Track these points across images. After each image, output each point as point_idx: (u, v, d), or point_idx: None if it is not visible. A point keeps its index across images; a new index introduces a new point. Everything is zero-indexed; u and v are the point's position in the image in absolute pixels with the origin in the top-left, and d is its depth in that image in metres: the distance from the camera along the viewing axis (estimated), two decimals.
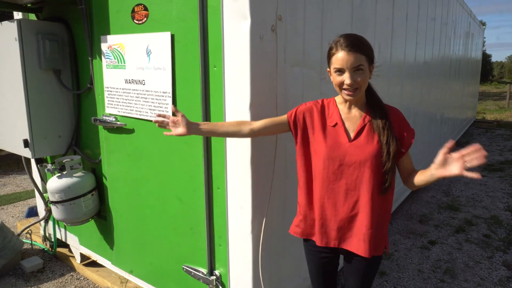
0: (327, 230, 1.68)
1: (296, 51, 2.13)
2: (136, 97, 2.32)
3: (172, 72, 2.10)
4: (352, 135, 1.62)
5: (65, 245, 3.46)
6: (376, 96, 1.68)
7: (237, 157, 1.96)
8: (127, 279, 2.88)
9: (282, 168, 2.12)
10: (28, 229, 3.65)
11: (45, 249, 3.59)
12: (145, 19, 2.18)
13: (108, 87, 2.52)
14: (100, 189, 2.89)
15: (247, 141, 1.91)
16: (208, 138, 2.06)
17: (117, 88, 2.44)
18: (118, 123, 2.50)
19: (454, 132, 8.36)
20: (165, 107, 2.17)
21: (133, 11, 2.24)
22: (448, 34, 6.35)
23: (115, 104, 2.50)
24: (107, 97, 2.55)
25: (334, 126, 1.64)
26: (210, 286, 2.19)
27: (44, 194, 3.39)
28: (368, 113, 1.63)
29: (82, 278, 3.22)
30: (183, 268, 2.33)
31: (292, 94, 2.13)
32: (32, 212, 4.35)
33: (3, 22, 2.69)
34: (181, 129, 1.71)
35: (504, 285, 3.13)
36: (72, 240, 3.30)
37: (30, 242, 3.66)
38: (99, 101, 2.65)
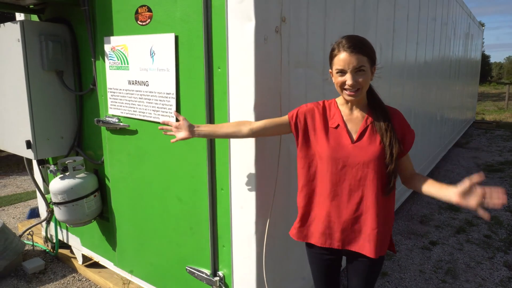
0: (331, 231, 1.68)
1: (299, 52, 2.14)
2: (140, 98, 2.33)
3: (176, 73, 2.10)
4: (354, 136, 1.62)
5: (67, 246, 3.46)
6: (378, 98, 1.69)
7: (241, 158, 1.97)
8: (130, 280, 2.88)
9: (286, 169, 2.13)
10: (29, 230, 3.64)
11: (47, 250, 3.58)
12: (149, 20, 2.18)
13: (111, 88, 2.52)
14: (102, 190, 2.89)
15: (251, 142, 1.91)
16: (211, 139, 2.06)
17: (120, 89, 2.45)
18: (121, 124, 2.50)
19: (454, 133, 8.38)
20: (168, 108, 2.18)
21: (136, 12, 2.24)
22: (448, 34, 6.38)
23: (118, 105, 2.50)
24: (110, 98, 2.55)
25: (336, 127, 1.64)
26: (214, 287, 2.20)
27: (46, 195, 3.39)
28: (370, 114, 1.64)
29: (84, 280, 3.22)
30: (187, 269, 2.33)
31: (295, 95, 2.14)
32: (34, 213, 4.35)
33: (5, 24, 2.69)
34: (183, 133, 1.77)
35: (506, 286, 3.14)
36: (74, 241, 3.30)
37: (31, 243, 3.66)
38: (102, 102, 2.66)
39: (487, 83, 40.05)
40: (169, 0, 2.07)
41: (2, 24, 2.72)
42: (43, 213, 3.55)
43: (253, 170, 1.93)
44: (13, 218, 4.69)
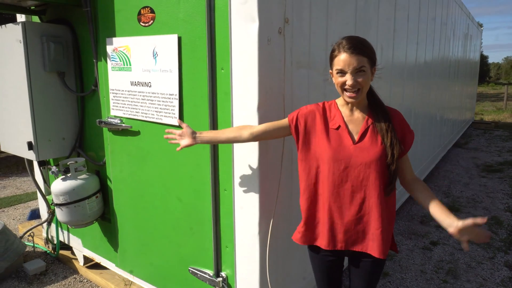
0: (334, 233, 1.68)
1: (302, 53, 2.14)
2: (142, 99, 2.33)
3: (179, 74, 2.10)
4: (356, 137, 1.62)
5: (68, 247, 3.45)
6: (378, 98, 1.69)
7: (245, 158, 1.97)
8: (131, 281, 2.88)
9: (289, 170, 2.13)
10: (30, 231, 3.64)
11: (48, 251, 3.58)
12: (152, 21, 2.19)
13: (113, 89, 2.52)
14: (104, 191, 2.89)
15: (254, 143, 1.91)
16: None
17: (123, 90, 2.45)
18: (124, 125, 2.50)
19: (454, 133, 8.41)
20: (171, 109, 2.18)
21: (139, 13, 2.24)
22: (447, 35, 6.40)
23: (120, 106, 2.50)
24: (112, 99, 2.55)
25: (337, 128, 1.64)
26: (217, 287, 2.20)
27: (46, 197, 3.39)
28: (371, 115, 1.64)
29: (85, 281, 3.22)
30: (189, 269, 2.33)
31: (298, 95, 2.14)
32: (34, 214, 4.34)
33: (7, 25, 2.69)
34: (187, 140, 1.84)
35: (507, 286, 3.15)
36: (75, 242, 3.29)
37: (32, 244, 3.65)
38: (104, 103, 2.66)
39: (486, 84, 40.18)
40: (172, 1, 2.07)
41: (3, 25, 2.72)
42: (44, 214, 3.54)
43: (256, 171, 1.93)
44: (13, 219, 4.68)
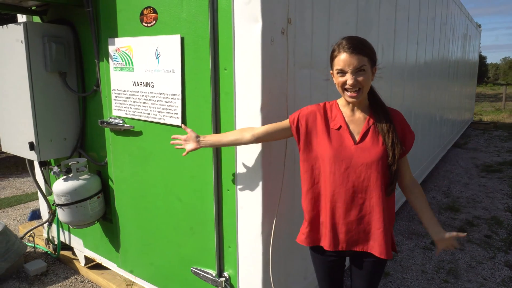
0: (336, 233, 1.69)
1: (304, 53, 2.15)
2: (145, 99, 2.33)
3: (182, 75, 2.11)
4: (357, 137, 1.63)
5: (68, 248, 3.45)
6: (379, 99, 1.70)
7: (247, 159, 1.97)
8: (133, 282, 2.88)
9: (291, 170, 2.14)
10: (31, 232, 3.63)
11: (48, 252, 3.57)
12: (154, 21, 2.19)
13: (115, 90, 2.52)
14: (105, 192, 2.89)
15: (257, 144, 1.92)
16: None
17: (125, 91, 2.45)
18: (126, 125, 2.50)
19: (453, 133, 8.43)
20: (174, 110, 2.18)
21: (141, 14, 2.25)
22: (447, 35, 6.41)
23: (122, 107, 2.50)
24: (114, 99, 2.55)
25: (338, 129, 1.65)
26: (219, 287, 2.20)
27: (47, 197, 3.38)
28: (372, 115, 1.64)
29: (87, 281, 3.21)
30: (192, 270, 2.33)
31: (301, 96, 2.15)
32: (35, 215, 4.34)
33: (9, 25, 2.68)
34: (191, 145, 1.89)
35: (508, 286, 3.16)
36: (77, 243, 3.29)
37: (33, 245, 3.64)
38: (106, 104, 2.65)
39: (484, 84, 40.28)
40: (175, 1, 2.07)
41: (5, 26, 2.72)
42: (44, 214, 3.54)
43: (259, 171, 1.94)
44: (13, 220, 4.67)
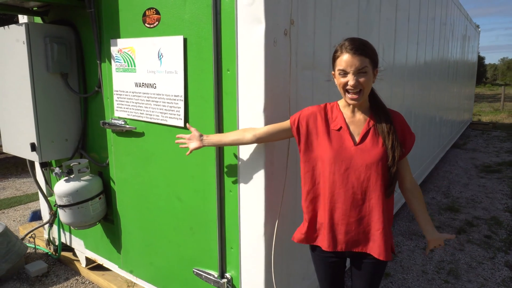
0: (335, 234, 1.69)
1: (307, 55, 2.15)
2: (147, 100, 2.33)
3: (185, 76, 2.11)
4: (357, 139, 1.63)
5: (69, 248, 3.45)
6: (380, 100, 1.70)
7: (250, 160, 1.97)
8: (134, 283, 2.88)
9: (293, 170, 2.14)
10: (32, 233, 3.63)
11: (49, 253, 3.57)
12: (157, 23, 2.19)
13: (117, 91, 2.52)
14: (107, 193, 2.89)
15: (260, 144, 1.92)
16: None
17: (127, 92, 2.45)
18: (128, 126, 2.50)
19: (452, 134, 8.45)
20: (176, 111, 2.18)
21: (144, 15, 2.25)
22: (446, 36, 6.43)
23: (124, 108, 2.50)
24: (116, 100, 2.55)
25: (339, 130, 1.65)
26: None
27: (48, 198, 3.38)
28: (372, 117, 1.65)
29: (88, 282, 3.21)
30: (194, 271, 2.34)
31: (303, 97, 2.15)
32: (36, 216, 4.33)
33: (10, 26, 2.68)
34: (195, 143, 1.93)
35: (508, 286, 3.17)
36: (77, 244, 3.29)
37: (33, 246, 3.64)
38: (108, 105, 2.65)
39: (482, 85, 40.38)
40: (178, 2, 2.08)
41: (6, 26, 2.72)
42: (45, 215, 3.53)
43: (261, 172, 1.94)
44: (14, 221, 4.66)
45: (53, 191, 3.22)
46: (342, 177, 1.62)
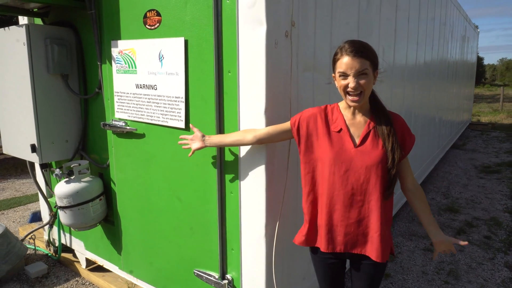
0: (334, 235, 1.70)
1: (307, 56, 2.16)
2: (148, 102, 2.33)
3: (185, 77, 2.11)
4: (357, 141, 1.64)
5: (69, 250, 3.44)
6: (380, 103, 1.71)
7: (251, 161, 1.98)
8: (135, 284, 2.87)
9: (294, 172, 2.14)
10: (31, 234, 3.62)
11: (49, 254, 3.56)
12: (158, 24, 2.19)
13: (118, 92, 2.52)
14: (107, 194, 2.89)
15: (261, 146, 1.92)
16: None
17: (128, 93, 2.45)
18: (128, 127, 2.50)
19: (452, 134, 8.46)
20: (177, 112, 2.18)
21: (145, 16, 2.25)
22: (446, 37, 6.45)
23: (125, 109, 2.50)
24: (117, 102, 2.55)
25: (339, 131, 1.66)
26: None
27: (48, 199, 3.37)
28: (372, 119, 1.66)
29: (88, 283, 3.21)
30: (194, 272, 2.34)
31: (304, 98, 2.16)
32: (36, 217, 4.32)
33: (11, 27, 2.68)
34: (197, 144, 1.97)
35: (508, 286, 3.18)
36: (78, 245, 3.28)
37: (33, 247, 3.64)
38: (108, 106, 2.66)
39: (481, 85, 40.45)
40: (179, 4, 2.08)
41: (7, 28, 2.72)
42: (45, 216, 3.53)
43: (262, 173, 1.94)
44: (13, 222, 4.66)
45: (53, 192, 3.22)
46: (341, 179, 1.62)
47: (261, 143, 1.84)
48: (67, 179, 2.73)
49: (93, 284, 3.19)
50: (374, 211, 1.62)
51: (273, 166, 1.98)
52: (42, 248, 3.66)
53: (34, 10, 2.93)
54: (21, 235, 3.96)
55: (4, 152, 3.11)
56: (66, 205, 2.68)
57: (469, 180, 6.37)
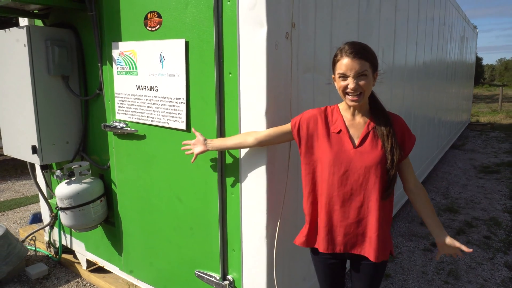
0: (333, 236, 1.71)
1: (308, 57, 2.17)
2: (148, 103, 2.34)
3: (186, 79, 2.12)
4: (356, 141, 1.65)
5: (70, 251, 3.45)
6: (379, 104, 1.72)
7: (252, 162, 1.98)
8: (135, 285, 2.88)
9: (295, 173, 2.15)
10: (32, 235, 3.62)
11: (50, 255, 3.57)
12: (159, 26, 2.20)
13: (119, 93, 2.53)
14: (108, 195, 2.89)
15: (261, 147, 1.93)
16: None
17: (129, 94, 2.45)
18: (129, 129, 2.51)
19: (451, 135, 8.47)
20: (178, 114, 2.19)
21: (146, 18, 2.26)
22: (445, 37, 6.46)
23: (126, 110, 2.51)
24: (117, 103, 2.56)
25: (338, 132, 1.66)
26: None
27: (49, 200, 3.38)
28: (372, 120, 1.66)
29: (88, 285, 3.21)
30: (195, 273, 2.34)
31: (304, 99, 2.16)
32: (36, 218, 4.32)
33: (11, 28, 2.69)
34: (199, 148, 1.98)
35: (507, 286, 3.18)
36: (78, 246, 3.29)
37: (34, 248, 3.64)
38: (109, 107, 2.66)
39: (480, 85, 40.51)
40: (179, 6, 2.09)
41: (7, 29, 2.72)
42: (46, 218, 3.53)
43: (263, 175, 1.95)
44: (13, 223, 4.66)
45: (53, 193, 3.22)
46: (341, 179, 1.63)
47: (262, 145, 1.85)
48: (68, 180, 2.73)
49: (93, 285, 3.19)
50: (373, 212, 1.63)
51: (273, 166, 1.99)
52: (42, 249, 3.67)
53: (35, 11, 2.93)
54: (21, 237, 3.96)
55: (5, 153, 3.11)
56: (67, 206, 2.68)
57: (469, 180, 6.38)
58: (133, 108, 2.45)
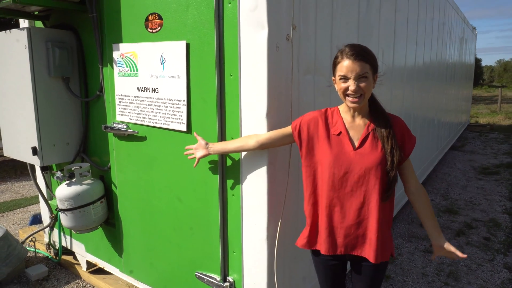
0: (334, 237, 1.71)
1: (308, 59, 2.17)
2: (149, 105, 2.34)
3: (187, 80, 2.12)
4: (356, 143, 1.65)
5: (70, 252, 3.44)
6: (379, 105, 1.73)
7: (253, 164, 1.99)
8: (136, 286, 2.88)
9: (295, 175, 2.15)
10: (32, 236, 3.62)
11: (49, 256, 3.56)
12: (159, 27, 2.20)
13: (119, 95, 2.53)
14: (108, 196, 2.89)
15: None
16: None
17: (129, 96, 2.46)
18: (130, 130, 2.51)
19: (450, 136, 8.48)
20: (179, 115, 2.19)
21: (146, 20, 2.26)
22: (444, 38, 6.48)
23: (126, 112, 2.51)
24: (118, 104, 2.56)
25: (338, 134, 1.67)
26: None
27: (49, 201, 3.37)
28: (372, 121, 1.67)
29: (88, 286, 3.21)
30: (196, 274, 2.34)
31: (305, 101, 2.17)
32: (36, 219, 4.32)
33: (12, 30, 2.69)
34: (201, 152, 1.99)
35: None
36: (78, 247, 3.29)
37: (34, 250, 3.63)
38: (109, 109, 2.66)
39: (479, 86, 40.57)
40: (180, 8, 2.09)
41: (8, 31, 2.72)
42: (46, 219, 3.53)
43: (264, 175, 1.95)
44: (13, 224, 4.65)
45: (53, 194, 3.22)
46: (341, 181, 1.64)
47: (263, 148, 1.86)
48: (68, 181, 2.73)
49: (93, 287, 3.19)
50: (374, 213, 1.63)
51: (274, 168, 1.99)
52: (42, 250, 3.66)
53: (35, 13, 2.93)
54: (21, 238, 3.96)
55: (5, 154, 3.11)
56: (67, 207, 2.68)
57: (468, 181, 6.39)
58: (134, 110, 2.45)
